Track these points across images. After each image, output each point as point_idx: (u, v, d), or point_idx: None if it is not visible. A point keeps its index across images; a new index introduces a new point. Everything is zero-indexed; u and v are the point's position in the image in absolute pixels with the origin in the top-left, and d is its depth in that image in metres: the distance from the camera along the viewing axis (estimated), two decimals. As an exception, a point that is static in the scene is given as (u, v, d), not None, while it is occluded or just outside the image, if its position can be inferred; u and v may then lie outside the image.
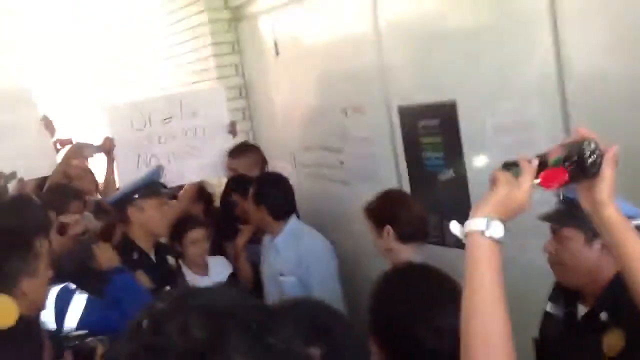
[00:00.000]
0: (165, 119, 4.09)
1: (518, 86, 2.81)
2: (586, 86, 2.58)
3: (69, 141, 4.14)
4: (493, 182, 1.28)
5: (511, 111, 2.85)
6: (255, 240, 3.76)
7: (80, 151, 4.16)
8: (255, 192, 3.43)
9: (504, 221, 1.23)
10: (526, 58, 2.78)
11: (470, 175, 3.10)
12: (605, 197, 1.30)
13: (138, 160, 4.02)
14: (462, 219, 3.32)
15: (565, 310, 2.01)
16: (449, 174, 3.20)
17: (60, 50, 7.40)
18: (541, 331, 2.07)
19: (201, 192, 4.34)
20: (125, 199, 3.21)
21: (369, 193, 3.00)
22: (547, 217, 1.99)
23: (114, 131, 4.03)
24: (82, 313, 2.53)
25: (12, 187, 3.62)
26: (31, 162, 3.81)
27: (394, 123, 3.52)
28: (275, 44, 4.48)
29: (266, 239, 3.57)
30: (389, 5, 3.45)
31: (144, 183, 3.26)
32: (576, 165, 1.27)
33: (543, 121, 2.72)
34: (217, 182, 4.56)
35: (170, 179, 3.94)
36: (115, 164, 4.04)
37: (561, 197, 1.88)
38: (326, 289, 3.24)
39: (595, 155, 1.28)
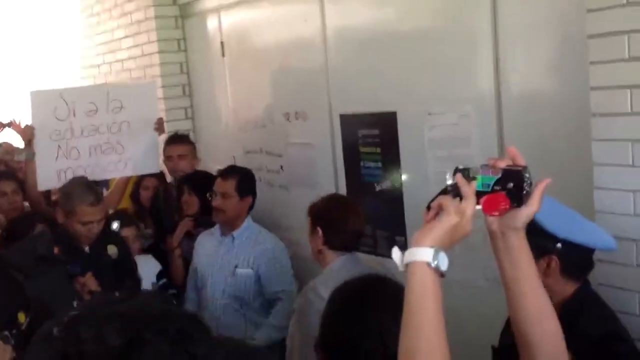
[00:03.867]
0: (89, 111, 3.97)
1: (456, 101, 2.86)
2: (522, 106, 2.64)
3: None
4: (438, 209, 1.23)
5: (448, 125, 2.89)
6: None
7: (11, 154, 4.05)
8: (241, 183, 3.43)
9: (447, 251, 1.20)
10: (466, 74, 2.83)
11: (406, 187, 3.12)
12: (522, 225, 1.28)
13: (58, 152, 3.89)
14: (395, 230, 3.34)
15: None
16: (385, 184, 3.22)
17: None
18: (500, 339, 2.09)
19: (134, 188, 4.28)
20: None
21: (307, 199, 2.99)
22: None
23: (36, 118, 3.89)
24: None
25: None
26: None
27: (335, 131, 3.53)
28: (222, 45, 4.44)
29: (215, 231, 3.54)
30: (336, 13, 3.46)
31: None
32: (510, 192, 1.23)
33: (479, 137, 2.77)
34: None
35: (91, 174, 3.83)
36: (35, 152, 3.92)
37: None
38: (283, 283, 3.35)
39: (529, 186, 1.25)
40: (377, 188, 3.25)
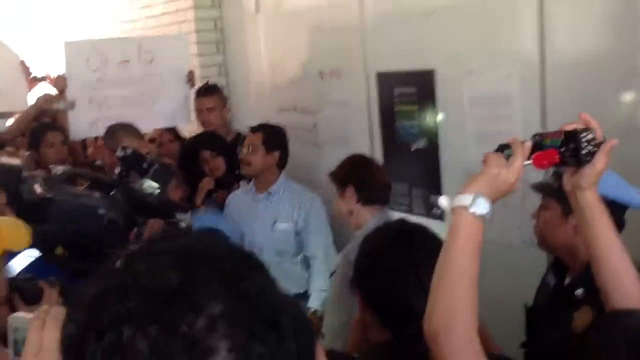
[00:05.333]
0: (121, 62, 4.00)
1: (498, 59, 2.78)
2: (568, 65, 2.56)
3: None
4: (484, 163, 1.31)
5: (489, 84, 2.82)
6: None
7: (50, 104, 4.09)
8: (269, 138, 3.44)
9: (490, 200, 1.26)
10: (509, 32, 2.75)
11: (442, 146, 3.08)
12: (587, 184, 1.33)
13: (89, 102, 3.93)
14: (431, 189, 3.32)
15: (555, 280, 2.07)
16: (421, 143, 3.18)
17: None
18: (535, 298, 2.14)
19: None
20: None
21: (340, 157, 2.97)
22: (535, 187, 2.10)
23: (69, 69, 3.93)
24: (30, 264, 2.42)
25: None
26: (7, 98, 3.94)
27: (371, 89, 3.48)
28: (256, 0, 4.38)
29: (250, 188, 3.53)
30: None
31: None
32: (571, 152, 1.32)
33: (520, 96, 2.71)
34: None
35: None
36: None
37: (553, 171, 1.91)
38: (321, 236, 3.37)
39: (591, 146, 1.32)
40: (413, 147, 3.21)
